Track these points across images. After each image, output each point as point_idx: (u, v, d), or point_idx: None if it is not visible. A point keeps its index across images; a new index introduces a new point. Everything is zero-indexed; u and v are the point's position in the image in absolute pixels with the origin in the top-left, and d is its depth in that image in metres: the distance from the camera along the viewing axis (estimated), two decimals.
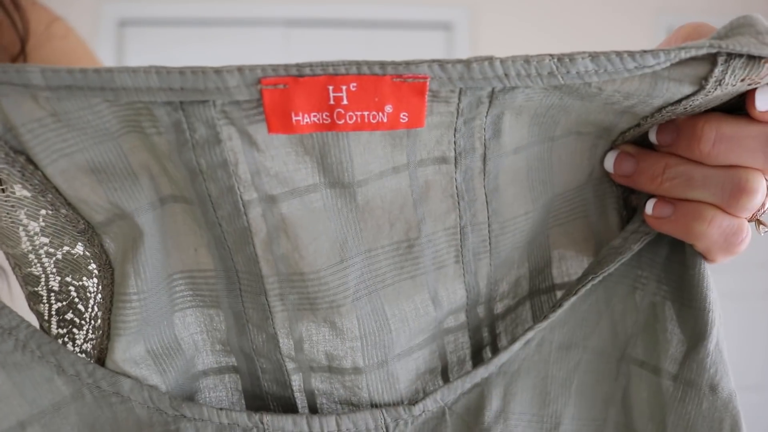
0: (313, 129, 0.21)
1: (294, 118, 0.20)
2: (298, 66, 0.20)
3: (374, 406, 0.27)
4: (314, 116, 0.20)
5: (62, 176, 0.22)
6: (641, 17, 2.04)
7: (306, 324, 0.26)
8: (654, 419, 0.27)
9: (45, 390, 0.24)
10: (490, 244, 0.27)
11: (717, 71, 0.21)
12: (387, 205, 0.25)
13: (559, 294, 0.30)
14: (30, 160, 0.22)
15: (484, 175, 0.25)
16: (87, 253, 0.25)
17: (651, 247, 0.28)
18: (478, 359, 0.30)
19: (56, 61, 0.44)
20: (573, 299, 0.27)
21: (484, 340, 0.30)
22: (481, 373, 0.27)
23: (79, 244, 0.24)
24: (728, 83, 0.22)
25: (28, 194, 0.23)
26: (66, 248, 0.24)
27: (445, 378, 0.29)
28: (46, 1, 0.47)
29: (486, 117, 0.24)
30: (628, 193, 0.29)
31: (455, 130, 0.24)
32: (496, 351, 0.30)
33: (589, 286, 0.27)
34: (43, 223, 0.24)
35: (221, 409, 0.25)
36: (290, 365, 0.26)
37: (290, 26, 1.97)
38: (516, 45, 1.99)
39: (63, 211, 0.23)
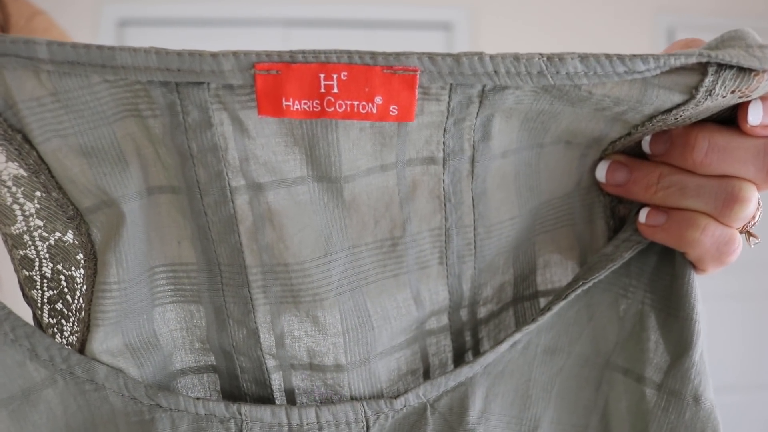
0: (302, 115, 0.21)
1: (284, 103, 0.21)
2: (291, 53, 0.20)
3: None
4: (305, 103, 0.21)
5: (54, 155, 0.22)
6: (641, 17, 2.04)
7: (288, 318, 0.25)
8: (635, 428, 0.27)
9: (16, 374, 0.23)
10: (474, 247, 0.27)
11: (707, 81, 0.21)
12: (373, 202, 0.25)
13: (542, 301, 0.30)
14: (26, 139, 0.22)
15: (472, 177, 0.25)
16: (76, 241, 0.25)
17: (639, 256, 0.28)
18: (459, 363, 0.29)
19: None
20: (562, 304, 0.27)
21: (466, 344, 0.29)
22: (466, 372, 0.26)
23: (70, 231, 0.24)
24: (719, 94, 0.22)
25: (25, 174, 0.23)
26: (58, 234, 0.24)
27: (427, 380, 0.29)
28: (47, 1, 0.47)
29: (476, 119, 0.24)
30: (615, 202, 0.29)
31: (445, 130, 0.24)
32: (478, 355, 0.29)
33: (579, 291, 0.27)
34: (38, 205, 0.24)
35: (198, 398, 0.24)
36: (270, 363, 0.26)
37: (290, 26, 1.97)
38: (516, 45, 1.99)
39: (54, 194, 0.24)
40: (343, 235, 0.25)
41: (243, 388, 0.27)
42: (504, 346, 0.26)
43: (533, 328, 0.27)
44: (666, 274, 0.28)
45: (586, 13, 2.03)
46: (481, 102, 0.23)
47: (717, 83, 0.21)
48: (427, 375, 0.29)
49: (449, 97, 0.22)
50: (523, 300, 0.30)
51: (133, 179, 0.23)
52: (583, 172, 0.28)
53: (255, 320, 0.25)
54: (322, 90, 0.21)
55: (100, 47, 0.20)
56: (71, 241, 0.25)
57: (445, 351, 0.29)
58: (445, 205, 0.25)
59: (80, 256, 0.25)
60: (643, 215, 0.27)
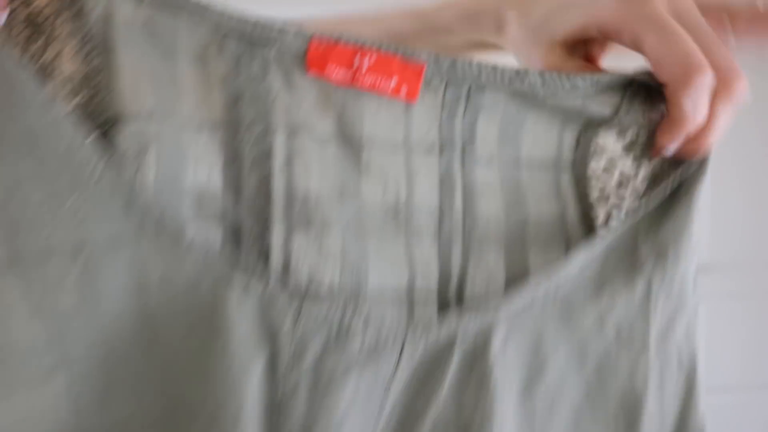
0: (339, 81, 0.29)
1: (328, 69, 0.28)
2: (338, 37, 0.28)
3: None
4: (342, 72, 0.28)
5: (127, 60, 0.26)
6: None
7: (298, 240, 0.29)
8: (631, 393, 0.31)
9: (109, 220, 0.25)
10: (462, 232, 0.32)
11: (625, 101, 0.31)
12: (383, 172, 0.31)
13: None
14: (104, 44, 0.26)
15: (462, 171, 0.32)
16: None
17: (647, 231, 0.32)
18: (444, 328, 0.32)
19: None
20: (580, 257, 0.31)
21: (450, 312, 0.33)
22: (489, 316, 0.29)
23: (93, 135, 0.27)
24: (636, 111, 0.32)
25: (83, 71, 0.26)
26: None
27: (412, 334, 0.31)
28: None
29: (464, 118, 0.31)
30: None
31: (440, 124, 0.31)
32: (500, 300, 0.32)
33: (593, 247, 0.31)
34: (78, 102, 0.26)
35: (269, 278, 0.26)
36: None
37: None
38: None
39: (97, 99, 0.27)
40: (356, 192, 0.30)
41: None
42: (523, 295, 0.30)
43: (552, 281, 0.30)
44: (669, 240, 0.32)
45: None
46: (467, 101, 0.31)
47: (632, 104, 0.31)
48: (412, 328, 0.32)
49: (444, 92, 0.30)
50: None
51: (184, 108, 0.28)
52: (567, 199, 0.34)
53: (270, 239, 0.29)
54: (356, 66, 0.28)
55: (200, 1, 0.26)
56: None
57: (430, 317, 0.31)
58: (440, 188, 0.31)
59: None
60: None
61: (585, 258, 0.31)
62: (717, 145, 0.33)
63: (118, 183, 0.25)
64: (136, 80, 0.26)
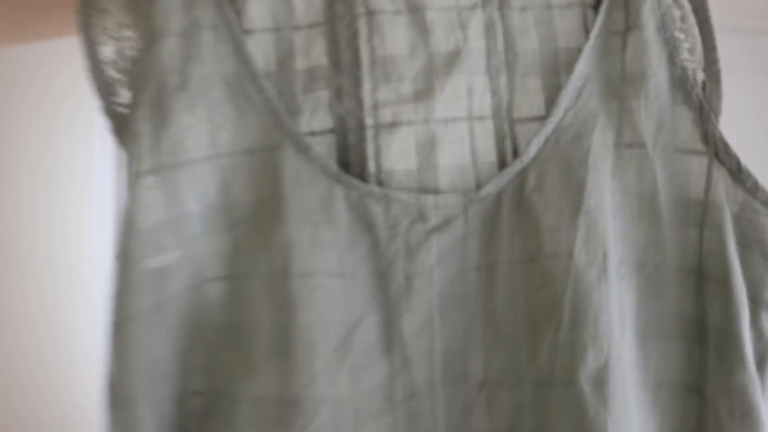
0: None
1: None
2: None
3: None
4: None
5: None
6: None
7: (381, 91, 0.40)
8: (643, 181, 0.40)
9: (264, 136, 0.37)
10: (506, 65, 0.41)
11: None
12: (444, 26, 0.41)
13: None
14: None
15: (501, 19, 0.41)
16: None
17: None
18: (502, 153, 0.40)
19: None
20: (572, 79, 0.40)
21: (506, 138, 0.41)
22: (519, 164, 0.39)
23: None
24: None
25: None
26: None
27: (475, 164, 0.40)
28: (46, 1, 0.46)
29: None
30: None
31: None
32: (516, 150, 0.41)
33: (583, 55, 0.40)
34: None
35: (361, 182, 0.37)
36: (369, 121, 0.39)
37: None
38: None
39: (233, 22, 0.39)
40: (425, 46, 0.40)
41: (350, 147, 0.40)
42: (537, 140, 0.39)
43: (556, 122, 0.39)
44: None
45: None
46: None
47: None
48: (475, 161, 0.41)
49: None
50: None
51: (297, 17, 0.40)
52: (590, 25, 0.42)
53: (361, 93, 0.40)
54: None
55: None
56: None
57: (488, 143, 0.40)
58: (485, 33, 0.41)
59: None
60: None
61: (573, 88, 0.40)
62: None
63: (274, 108, 0.37)
64: (259, 7, 0.39)
